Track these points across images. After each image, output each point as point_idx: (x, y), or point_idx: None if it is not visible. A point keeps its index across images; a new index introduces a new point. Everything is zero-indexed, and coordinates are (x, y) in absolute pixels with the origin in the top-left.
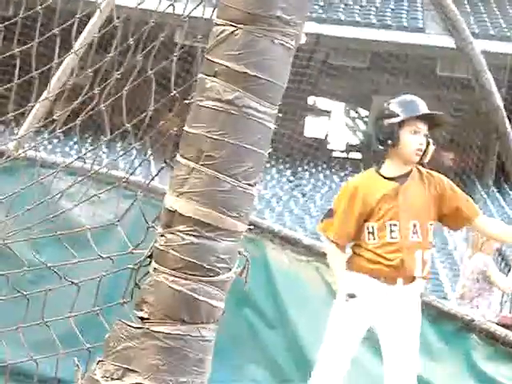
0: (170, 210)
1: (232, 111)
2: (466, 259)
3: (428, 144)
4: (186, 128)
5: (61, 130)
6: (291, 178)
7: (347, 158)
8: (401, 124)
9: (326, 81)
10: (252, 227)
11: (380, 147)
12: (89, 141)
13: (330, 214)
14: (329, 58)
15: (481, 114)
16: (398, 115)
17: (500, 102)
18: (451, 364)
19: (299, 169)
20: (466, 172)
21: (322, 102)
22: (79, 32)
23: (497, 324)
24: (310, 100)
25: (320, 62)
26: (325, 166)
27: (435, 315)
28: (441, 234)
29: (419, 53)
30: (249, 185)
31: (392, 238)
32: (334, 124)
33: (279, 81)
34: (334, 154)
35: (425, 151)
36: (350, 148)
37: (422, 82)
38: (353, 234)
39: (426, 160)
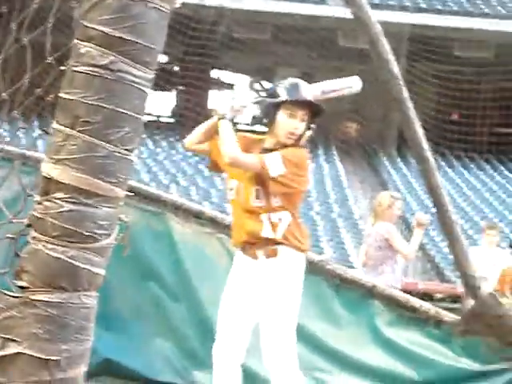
0: (47, 178)
1: (107, 76)
2: (368, 227)
3: (307, 129)
4: (61, 94)
5: None
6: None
7: (253, 130)
8: (279, 105)
9: (229, 54)
10: (155, 201)
11: (261, 123)
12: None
13: None
14: (231, 30)
15: (380, 83)
16: (278, 96)
17: (397, 71)
18: (355, 330)
19: None
20: (370, 142)
21: (225, 75)
22: None
23: (400, 290)
24: (214, 73)
25: (222, 34)
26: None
27: (338, 283)
28: (346, 203)
29: (320, 24)
30: (127, 150)
31: (241, 200)
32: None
33: (155, 45)
34: (239, 127)
35: (301, 136)
36: (255, 121)
37: (323, 53)
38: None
39: (301, 143)
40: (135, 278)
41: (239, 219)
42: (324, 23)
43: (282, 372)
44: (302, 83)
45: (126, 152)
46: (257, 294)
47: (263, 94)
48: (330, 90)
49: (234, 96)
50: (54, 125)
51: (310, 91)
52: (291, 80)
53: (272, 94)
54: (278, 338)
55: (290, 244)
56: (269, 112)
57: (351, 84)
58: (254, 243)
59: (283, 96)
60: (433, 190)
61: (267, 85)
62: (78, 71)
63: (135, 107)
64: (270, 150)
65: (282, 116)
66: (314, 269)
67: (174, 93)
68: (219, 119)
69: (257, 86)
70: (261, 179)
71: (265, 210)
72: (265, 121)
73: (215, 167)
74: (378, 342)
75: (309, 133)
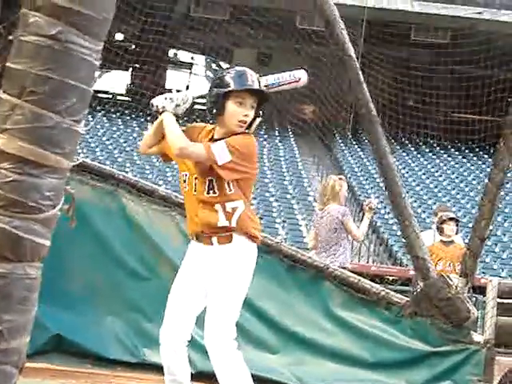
0: None
1: (55, 46)
2: (317, 212)
3: (255, 117)
4: (8, 64)
5: None
6: None
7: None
8: (228, 94)
9: (187, 33)
10: (109, 179)
11: (210, 113)
12: None
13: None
14: (190, 10)
15: (336, 65)
16: (226, 86)
17: (352, 52)
18: (308, 310)
19: None
20: (326, 124)
21: (183, 55)
22: None
23: (352, 272)
24: (171, 53)
25: (181, 14)
26: (186, 118)
27: (290, 264)
28: (301, 185)
29: (278, 6)
30: (74, 121)
31: (195, 192)
32: (195, 77)
33: (104, 16)
34: (196, 107)
35: (251, 123)
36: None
37: (281, 34)
38: None
39: (251, 131)
40: (88, 256)
41: (193, 211)
42: (282, 4)
43: (220, 352)
44: (248, 71)
45: (72, 123)
46: (208, 279)
47: (209, 84)
48: (275, 85)
49: (173, 94)
50: (1, 94)
51: (257, 78)
52: (238, 69)
53: (219, 83)
54: (221, 321)
55: (243, 232)
56: (217, 102)
57: (297, 78)
58: (209, 233)
59: (232, 85)
60: (385, 171)
61: (225, 65)
62: (25, 41)
63: (83, 78)
64: (220, 140)
65: (231, 105)
66: (267, 249)
67: (129, 71)
68: (161, 113)
69: (214, 66)
70: (212, 170)
71: (219, 201)
72: (214, 111)
73: (166, 157)
74: (331, 323)
75: (258, 120)
